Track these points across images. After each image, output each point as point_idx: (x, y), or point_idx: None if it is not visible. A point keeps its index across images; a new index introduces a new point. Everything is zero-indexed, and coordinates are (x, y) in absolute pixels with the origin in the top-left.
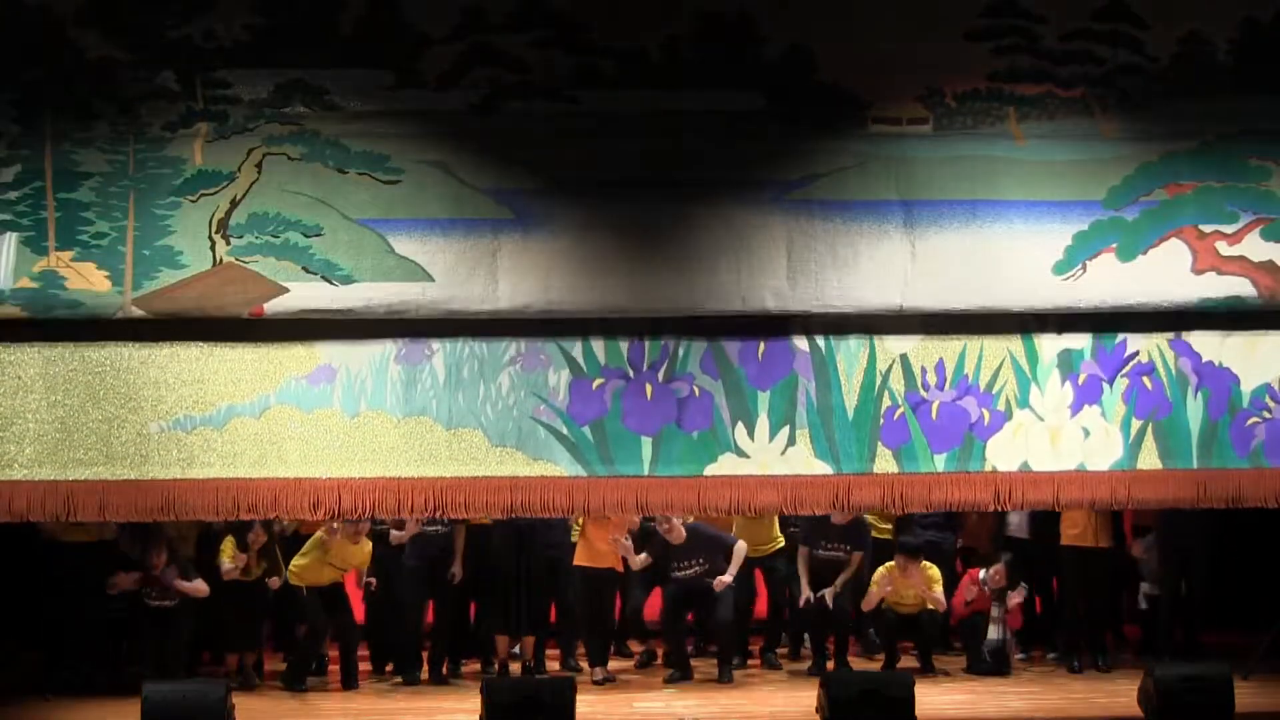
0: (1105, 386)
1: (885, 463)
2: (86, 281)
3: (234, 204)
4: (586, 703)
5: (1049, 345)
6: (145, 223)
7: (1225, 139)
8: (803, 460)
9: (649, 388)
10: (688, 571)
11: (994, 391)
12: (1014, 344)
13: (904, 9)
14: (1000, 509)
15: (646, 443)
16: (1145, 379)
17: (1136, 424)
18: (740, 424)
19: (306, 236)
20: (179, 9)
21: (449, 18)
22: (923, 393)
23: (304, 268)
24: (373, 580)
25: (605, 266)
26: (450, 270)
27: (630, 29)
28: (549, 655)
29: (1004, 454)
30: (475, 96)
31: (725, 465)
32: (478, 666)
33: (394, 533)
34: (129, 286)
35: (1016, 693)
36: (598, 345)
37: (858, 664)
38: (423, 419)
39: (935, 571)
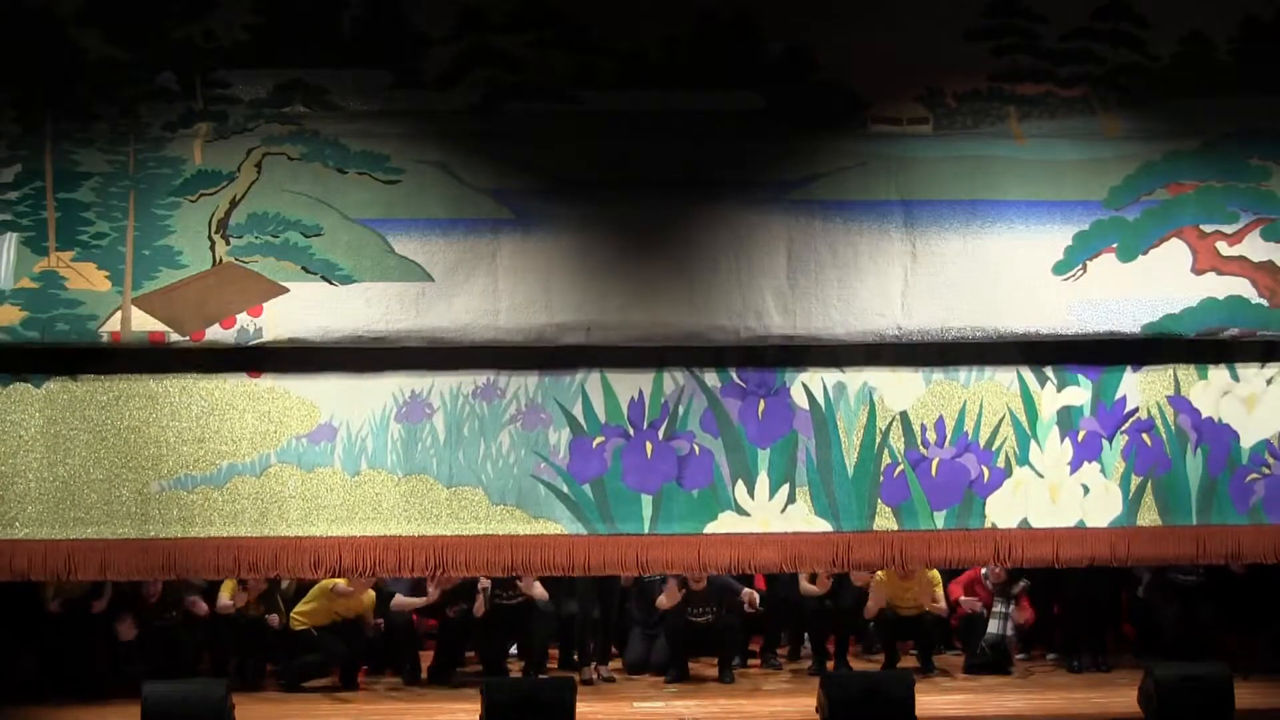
0: (1105, 443)
1: (885, 520)
2: (87, 281)
3: (234, 204)
4: (586, 703)
5: (1049, 402)
6: (145, 223)
7: (1226, 138)
8: (802, 518)
9: (649, 446)
10: (702, 618)
11: (994, 448)
12: (1014, 400)
13: (904, 9)
14: (1001, 566)
15: (647, 501)
16: (1145, 436)
17: (1136, 480)
18: (740, 482)
19: (306, 236)
20: (179, 9)
21: (449, 18)
22: (922, 450)
23: (304, 268)
24: (380, 621)
25: (605, 266)
26: (450, 270)
27: (630, 29)
28: (549, 655)
29: (1004, 511)
30: (475, 96)
31: (725, 523)
32: (478, 667)
33: (400, 598)
34: (129, 286)
35: (1016, 693)
36: (597, 403)
37: (858, 664)
38: (423, 477)
39: (935, 574)
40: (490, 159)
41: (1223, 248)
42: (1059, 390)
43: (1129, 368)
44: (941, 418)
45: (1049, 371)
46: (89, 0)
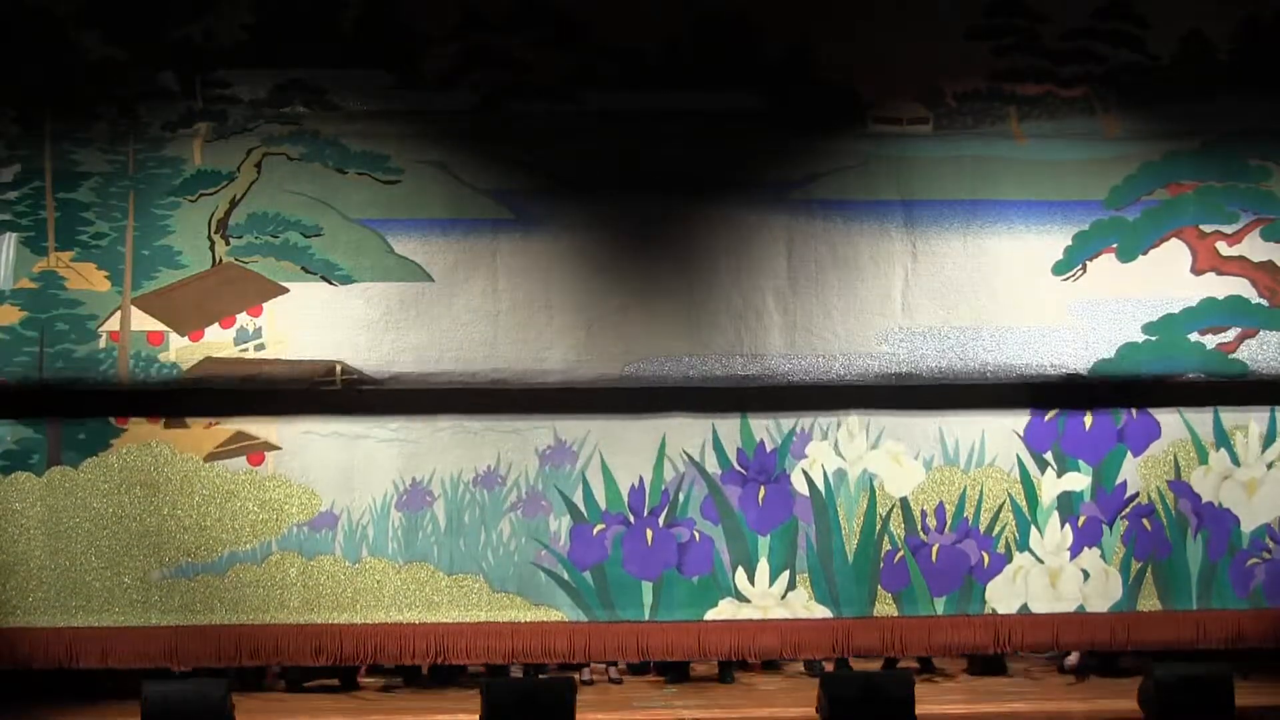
0: (1105, 528)
1: (885, 606)
2: (86, 282)
3: (233, 204)
4: (586, 703)
5: (1049, 487)
6: (145, 223)
7: (1226, 138)
8: (803, 604)
9: (649, 533)
10: None
11: (994, 534)
12: (1014, 486)
13: (904, 9)
14: (1000, 651)
15: (647, 588)
16: (1145, 520)
17: (1136, 565)
18: (741, 568)
19: (306, 236)
20: (179, 9)
21: (449, 18)
22: (922, 536)
23: (303, 268)
24: None
25: (605, 267)
26: (450, 270)
27: (630, 29)
28: None
29: (1003, 596)
30: (475, 96)
31: (725, 610)
32: (479, 667)
33: None
34: (128, 286)
35: (1016, 693)
36: (598, 490)
37: (858, 664)
38: (424, 565)
39: None
40: (490, 159)
41: (1223, 248)
42: (1059, 475)
43: (1129, 453)
44: (941, 504)
45: (1049, 457)
46: (89, 0)
